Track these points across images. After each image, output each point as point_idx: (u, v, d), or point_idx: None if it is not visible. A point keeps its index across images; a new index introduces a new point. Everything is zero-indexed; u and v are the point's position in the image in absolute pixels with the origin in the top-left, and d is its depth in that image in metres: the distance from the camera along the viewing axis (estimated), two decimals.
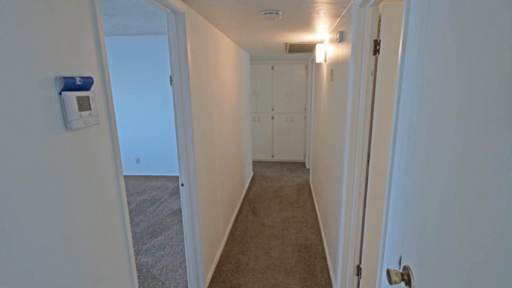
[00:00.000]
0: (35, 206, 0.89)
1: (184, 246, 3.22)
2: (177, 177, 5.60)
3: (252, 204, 4.50)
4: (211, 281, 2.71)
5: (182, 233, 3.53)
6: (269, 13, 2.34)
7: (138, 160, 5.68)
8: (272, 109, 6.69)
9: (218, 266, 2.94)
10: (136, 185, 5.22)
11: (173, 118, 5.31)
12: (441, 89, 0.76)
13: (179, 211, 4.13)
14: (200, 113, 2.43)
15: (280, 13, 2.37)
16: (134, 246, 3.27)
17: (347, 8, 2.22)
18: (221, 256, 3.11)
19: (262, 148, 6.92)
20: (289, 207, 4.39)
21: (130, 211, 4.18)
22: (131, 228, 3.66)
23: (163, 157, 5.63)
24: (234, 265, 2.96)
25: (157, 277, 2.75)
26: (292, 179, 5.68)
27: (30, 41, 0.87)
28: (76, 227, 1.06)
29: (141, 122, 5.48)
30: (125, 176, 5.70)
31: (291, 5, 2.17)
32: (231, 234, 3.57)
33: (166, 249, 3.19)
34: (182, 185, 2.27)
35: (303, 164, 6.73)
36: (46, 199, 0.93)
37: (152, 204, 4.42)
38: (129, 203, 4.46)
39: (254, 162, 6.86)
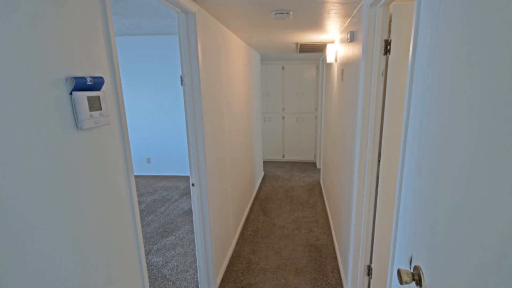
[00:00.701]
0: (46, 206, 0.90)
1: (194, 246, 3.24)
2: (188, 177, 5.64)
3: (262, 204, 4.50)
4: (222, 281, 2.72)
5: (192, 233, 3.55)
6: (279, 13, 2.34)
7: (149, 160, 5.73)
8: (283, 109, 6.67)
9: (228, 266, 2.95)
10: (147, 185, 5.28)
11: (184, 118, 5.35)
12: (452, 89, 0.75)
13: (189, 211, 4.16)
14: (211, 113, 2.44)
15: (291, 13, 2.37)
16: (144, 246, 3.31)
17: (357, 8, 2.20)
18: (232, 256, 3.12)
19: (272, 148, 6.91)
20: (300, 207, 4.37)
21: (141, 211, 4.23)
22: (141, 228, 3.70)
23: (174, 157, 5.67)
24: (245, 265, 2.96)
25: (168, 277, 2.77)
26: (302, 179, 5.66)
27: (41, 41, 0.87)
28: (87, 226, 1.08)
29: (152, 122, 5.52)
30: (136, 176, 5.77)
31: (302, 5, 2.17)
32: (242, 234, 3.58)
33: (176, 249, 3.22)
34: (193, 185, 2.28)
35: (314, 164, 6.70)
36: (57, 199, 0.94)
37: (163, 204, 4.46)
38: (140, 203, 4.51)
39: (264, 162, 6.86)
